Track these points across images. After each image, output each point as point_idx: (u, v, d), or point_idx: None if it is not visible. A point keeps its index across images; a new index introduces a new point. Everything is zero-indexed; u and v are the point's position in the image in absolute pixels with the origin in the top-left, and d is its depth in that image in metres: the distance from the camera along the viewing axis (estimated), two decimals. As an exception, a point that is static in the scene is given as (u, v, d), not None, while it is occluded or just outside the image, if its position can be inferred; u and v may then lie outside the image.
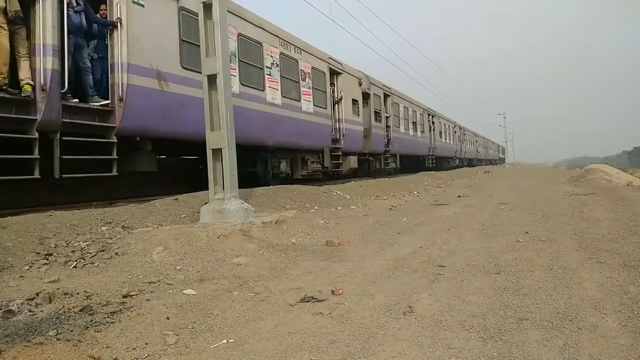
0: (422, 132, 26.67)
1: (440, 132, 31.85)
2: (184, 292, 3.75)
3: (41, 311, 3.16)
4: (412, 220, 7.85)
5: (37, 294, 3.38)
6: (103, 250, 4.73)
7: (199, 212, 6.64)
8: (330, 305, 3.39)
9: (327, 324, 3.02)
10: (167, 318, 3.13)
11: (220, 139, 6.65)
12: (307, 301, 3.50)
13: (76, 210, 6.04)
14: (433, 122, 29.57)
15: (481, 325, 2.86)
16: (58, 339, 2.69)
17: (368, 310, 3.24)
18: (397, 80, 27.33)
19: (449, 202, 10.82)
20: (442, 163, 33.22)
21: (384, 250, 5.34)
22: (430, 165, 27.96)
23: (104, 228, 5.48)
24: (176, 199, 7.40)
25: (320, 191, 10.93)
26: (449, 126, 35.58)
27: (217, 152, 6.73)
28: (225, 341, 2.78)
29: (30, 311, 3.14)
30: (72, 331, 2.83)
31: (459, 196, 12.52)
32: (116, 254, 4.70)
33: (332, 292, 3.68)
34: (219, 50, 6.62)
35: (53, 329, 2.81)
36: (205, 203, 6.76)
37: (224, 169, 6.65)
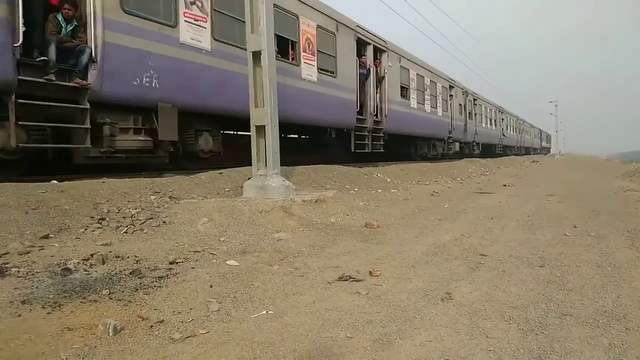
0: (340, 74, 12.55)
1: (406, 89, 17.05)
2: (226, 262, 3.88)
3: (95, 271, 3.36)
4: (454, 207, 7.73)
5: (92, 255, 3.58)
6: (152, 218, 4.93)
7: (242, 187, 6.79)
8: (367, 285, 3.42)
9: (364, 303, 3.05)
10: (211, 286, 3.26)
11: (264, 116, 6.72)
12: (345, 280, 3.54)
13: (127, 179, 6.31)
14: (379, 63, 15.02)
15: (522, 317, 2.81)
16: (110, 298, 2.86)
17: (405, 294, 3.25)
18: (449, 66, 26.05)
19: (494, 191, 10.56)
20: (417, 146, 19.99)
21: (424, 236, 5.30)
22: (377, 150, 14.65)
23: (152, 197, 5.70)
24: (221, 173, 7.58)
25: (361, 173, 10.90)
26: (431, 83, 19.91)
27: (261, 129, 6.82)
28: (265, 312, 2.87)
29: (86, 271, 3.35)
30: (123, 292, 2.99)
31: (505, 185, 12.20)
32: (164, 222, 4.90)
33: (370, 273, 3.71)
34: (263, 26, 6.63)
35: (106, 289, 2.99)
36: (248, 178, 6.90)
37: (267, 145, 6.74)
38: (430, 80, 19.95)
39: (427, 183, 12.36)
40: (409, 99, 17.48)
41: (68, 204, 4.84)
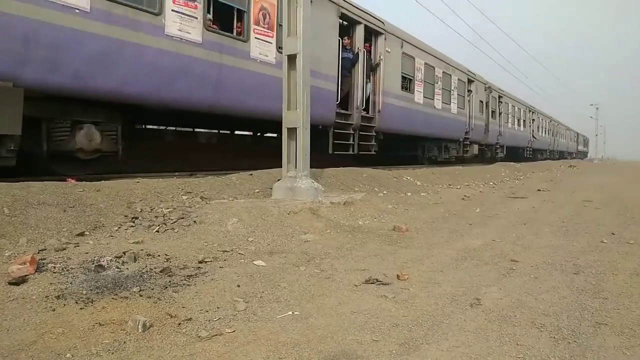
0: (312, 57, 7.95)
1: (409, 80, 14.42)
2: (254, 262, 3.91)
3: (127, 269, 3.45)
4: (485, 211, 7.57)
5: (124, 253, 3.68)
6: (183, 218, 5.04)
7: (271, 188, 6.85)
8: (394, 289, 3.39)
9: (390, 307, 3.02)
10: (238, 286, 3.29)
11: (296, 119, 6.77)
12: (372, 283, 3.51)
13: (160, 179, 6.47)
14: (373, 47, 12.81)
15: (554, 325, 2.72)
16: (141, 295, 2.94)
17: (433, 298, 3.20)
18: (482, 66, 25.38)
19: (527, 196, 10.29)
20: (424, 148, 17.48)
21: (453, 240, 5.22)
22: (366, 152, 12.38)
23: (184, 197, 5.82)
24: (251, 174, 7.67)
25: (390, 176, 10.82)
26: (444, 75, 16.95)
27: (292, 131, 6.87)
28: (290, 313, 2.88)
29: (118, 268, 3.44)
30: (153, 289, 3.06)
31: (539, 190, 11.87)
32: (194, 222, 4.99)
33: (397, 276, 3.67)
34: (300, 30, 6.69)
35: (137, 286, 3.07)
36: (278, 180, 6.96)
37: (298, 148, 6.79)
38: (443, 72, 16.77)
39: (459, 187, 12.15)
40: (413, 92, 14.56)
41: (103, 202, 5.00)
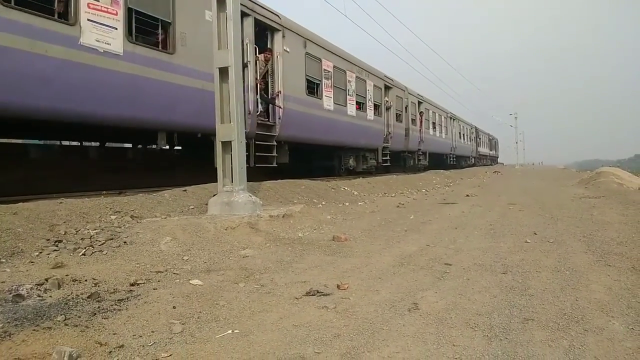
0: None
1: None
2: (190, 282, 3.78)
3: (50, 296, 3.20)
4: (419, 218, 7.83)
5: (47, 280, 3.41)
6: (112, 239, 4.77)
7: (207, 204, 6.67)
8: (335, 299, 3.40)
9: (331, 317, 3.03)
10: (174, 307, 3.16)
11: (230, 132, 6.67)
12: (313, 295, 3.51)
13: (86, 199, 6.10)
14: None
15: (486, 324, 2.85)
16: (66, 324, 2.72)
17: (373, 306, 3.24)
18: (409, 77, 26.53)
19: (457, 201, 10.78)
20: None
21: (390, 247, 5.34)
22: None
23: (113, 217, 5.52)
24: (185, 190, 7.44)
25: (328, 187, 10.93)
26: None
27: (227, 144, 6.76)
28: (230, 331, 2.80)
29: (40, 296, 3.18)
30: (79, 317, 2.86)
31: (468, 195, 12.48)
32: (124, 242, 4.74)
33: (338, 286, 3.69)
34: (231, 43, 6.63)
35: (61, 314, 2.85)
36: (214, 195, 6.80)
37: (233, 161, 6.68)
38: None
39: (394, 195, 12.51)
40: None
41: (22, 226, 4.62)
